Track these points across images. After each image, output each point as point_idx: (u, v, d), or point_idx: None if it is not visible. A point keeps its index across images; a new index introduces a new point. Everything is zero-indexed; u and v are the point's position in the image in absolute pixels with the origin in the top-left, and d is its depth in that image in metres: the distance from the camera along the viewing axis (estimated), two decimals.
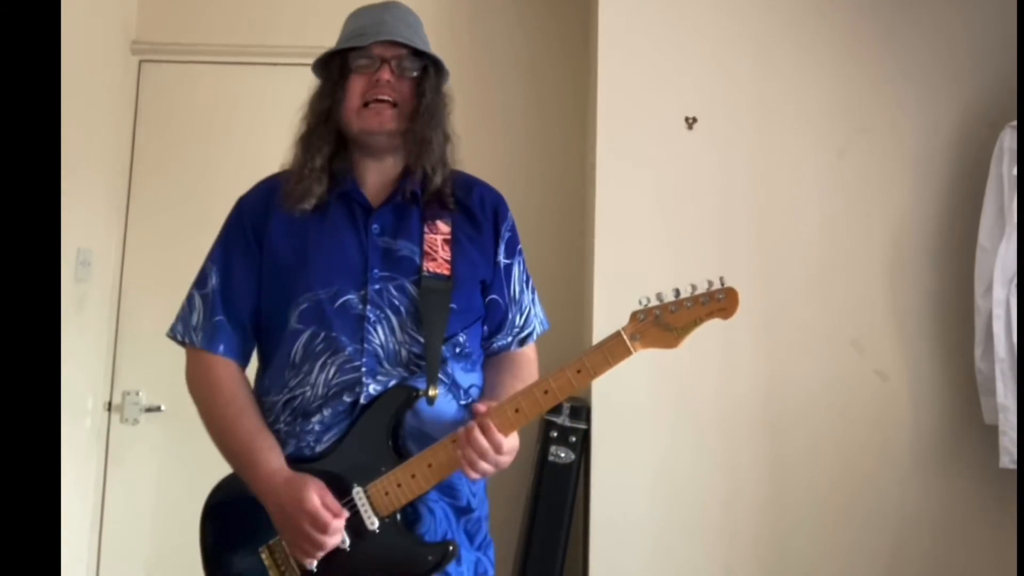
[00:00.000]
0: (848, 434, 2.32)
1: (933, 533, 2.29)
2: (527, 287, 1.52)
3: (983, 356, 2.22)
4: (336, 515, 1.27)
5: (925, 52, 2.42)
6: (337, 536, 1.28)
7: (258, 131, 2.75)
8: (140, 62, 2.85)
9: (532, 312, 1.52)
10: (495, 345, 1.49)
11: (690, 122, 2.40)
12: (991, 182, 2.24)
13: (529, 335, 1.52)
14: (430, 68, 1.47)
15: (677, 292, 1.30)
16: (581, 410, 2.29)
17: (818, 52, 2.43)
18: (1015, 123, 2.18)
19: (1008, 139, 2.20)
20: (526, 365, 1.50)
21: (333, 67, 1.45)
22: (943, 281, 2.36)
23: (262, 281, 1.42)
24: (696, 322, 1.29)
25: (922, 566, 2.28)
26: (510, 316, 1.49)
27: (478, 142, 2.78)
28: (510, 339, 1.49)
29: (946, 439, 2.32)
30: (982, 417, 2.24)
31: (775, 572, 2.29)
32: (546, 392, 1.29)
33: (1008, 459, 2.12)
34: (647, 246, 2.36)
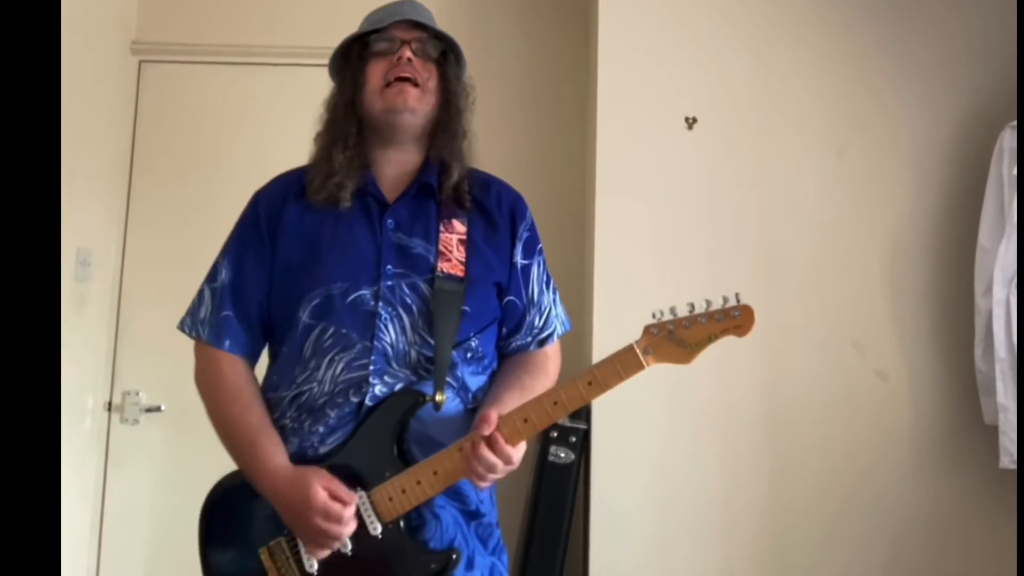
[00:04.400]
0: (848, 434, 2.31)
1: (932, 533, 2.28)
2: (547, 288, 1.49)
3: (983, 356, 2.22)
4: (346, 503, 1.26)
5: (925, 52, 2.42)
6: (352, 523, 1.26)
7: (258, 131, 2.75)
8: (140, 62, 2.85)
9: (553, 312, 1.49)
10: (513, 345, 1.47)
11: (690, 122, 2.40)
12: (991, 182, 2.24)
13: (549, 336, 1.48)
14: (450, 55, 1.46)
15: (692, 307, 1.27)
16: (581, 410, 2.29)
17: (818, 52, 2.43)
18: (1015, 123, 2.18)
19: (1008, 139, 2.20)
20: (543, 363, 1.47)
21: (352, 57, 1.44)
22: (943, 281, 2.36)
23: (273, 276, 1.41)
24: (711, 339, 1.28)
25: (921, 566, 2.28)
26: (528, 317, 1.46)
27: (478, 142, 2.79)
28: (529, 339, 1.47)
29: (946, 439, 2.32)
30: (982, 417, 2.24)
31: (774, 572, 2.29)
32: (556, 403, 1.28)
33: (1008, 459, 2.12)
34: (647, 246, 2.36)
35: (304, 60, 2.66)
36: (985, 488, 2.28)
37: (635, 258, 2.34)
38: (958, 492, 2.29)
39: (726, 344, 2.29)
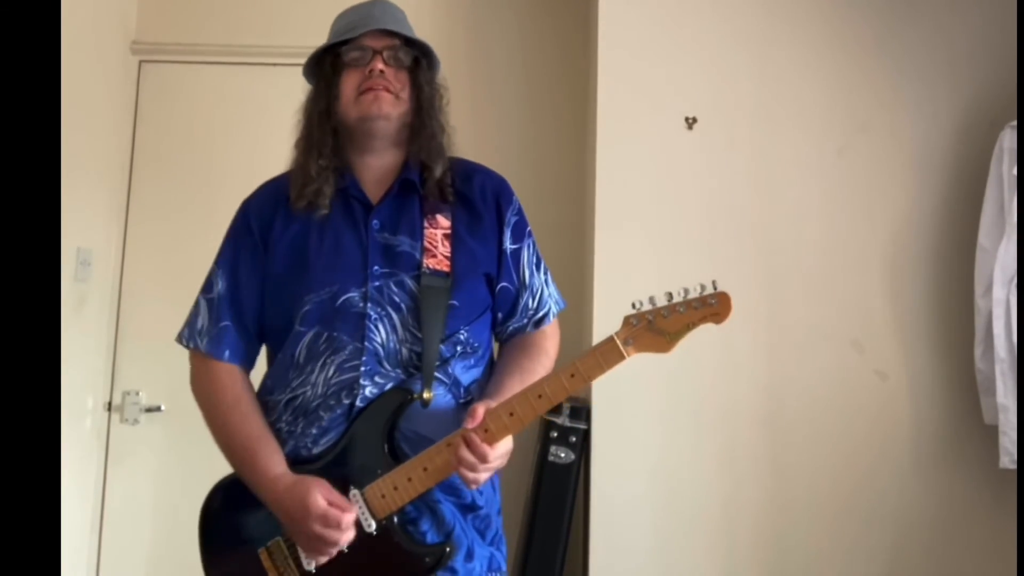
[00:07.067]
0: (848, 434, 2.31)
1: (933, 533, 2.28)
2: (538, 269, 1.51)
3: (983, 356, 2.22)
4: (345, 510, 1.28)
5: (925, 52, 2.42)
6: (351, 531, 1.28)
7: (258, 131, 2.75)
8: (140, 62, 2.85)
9: (545, 293, 1.50)
10: (511, 328, 1.48)
11: (690, 122, 2.40)
12: (991, 182, 2.24)
13: (544, 316, 1.49)
14: (422, 61, 1.47)
15: (670, 296, 1.29)
16: (581, 410, 2.29)
17: (818, 52, 2.43)
18: (1015, 123, 2.18)
19: (1008, 139, 2.20)
20: (541, 343, 1.48)
21: (325, 66, 1.45)
22: (943, 281, 2.36)
23: (266, 284, 1.43)
24: (688, 327, 1.29)
25: (921, 566, 2.27)
26: (522, 301, 1.47)
27: (478, 142, 2.77)
28: (525, 321, 1.48)
29: (946, 439, 2.31)
30: (982, 417, 2.24)
31: (774, 571, 2.29)
32: (540, 396, 1.30)
33: (1008, 459, 2.12)
34: (647, 246, 2.36)
35: (304, 60, 2.66)
36: (985, 488, 2.28)
37: (635, 258, 2.34)
38: (958, 492, 2.29)
39: (726, 344, 2.31)
